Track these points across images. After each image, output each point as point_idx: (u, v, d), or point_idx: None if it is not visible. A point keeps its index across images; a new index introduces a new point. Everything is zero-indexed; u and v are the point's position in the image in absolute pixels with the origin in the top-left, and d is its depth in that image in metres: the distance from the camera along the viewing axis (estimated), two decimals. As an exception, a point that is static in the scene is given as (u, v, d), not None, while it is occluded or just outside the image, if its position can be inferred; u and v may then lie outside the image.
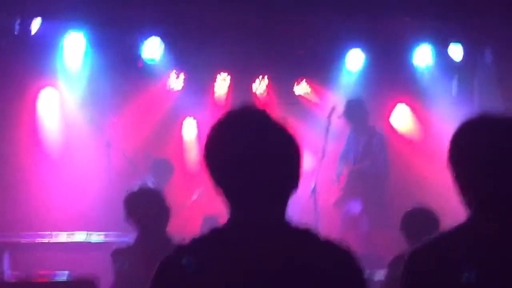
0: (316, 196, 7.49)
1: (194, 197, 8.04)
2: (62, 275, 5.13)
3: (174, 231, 4.01)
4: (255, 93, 9.32)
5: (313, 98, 9.43)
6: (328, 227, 7.92)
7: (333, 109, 7.58)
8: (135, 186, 4.29)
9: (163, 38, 8.44)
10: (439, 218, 4.46)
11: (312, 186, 7.49)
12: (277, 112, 2.06)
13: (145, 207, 3.93)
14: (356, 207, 8.10)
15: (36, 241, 6.67)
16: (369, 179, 8.04)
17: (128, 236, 4.22)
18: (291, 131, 2.03)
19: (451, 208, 3.05)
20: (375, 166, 8.04)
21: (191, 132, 9.30)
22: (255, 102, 2.14)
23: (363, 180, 8.04)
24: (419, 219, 4.45)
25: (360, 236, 7.98)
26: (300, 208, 7.26)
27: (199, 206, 8.04)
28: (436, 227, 4.30)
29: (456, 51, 8.82)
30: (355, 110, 8.05)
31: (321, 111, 8.55)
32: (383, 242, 7.52)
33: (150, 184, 7.27)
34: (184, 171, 8.75)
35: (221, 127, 2.01)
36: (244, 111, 2.03)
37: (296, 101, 9.26)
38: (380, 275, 5.34)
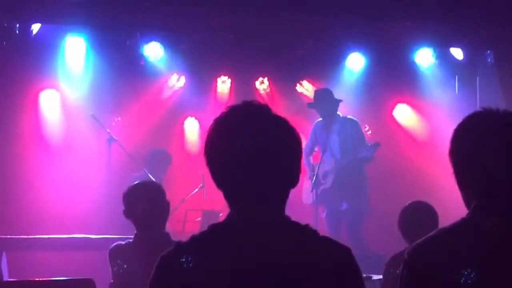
0: (316, 194, 7.46)
1: (194, 191, 8.04)
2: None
3: (173, 226, 3.99)
4: (256, 93, 9.34)
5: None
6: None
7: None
8: (134, 180, 4.26)
9: (164, 41, 8.46)
10: (437, 213, 4.43)
11: (313, 182, 7.47)
12: (278, 110, 2.05)
13: (144, 202, 3.92)
14: (344, 203, 7.92)
15: (35, 241, 6.65)
16: (355, 172, 7.87)
17: (128, 235, 4.20)
18: (291, 126, 2.03)
19: (453, 205, 3.05)
20: (354, 155, 7.83)
21: (192, 129, 9.33)
22: (256, 100, 2.11)
23: (348, 174, 7.84)
24: (417, 214, 4.41)
25: (351, 232, 7.89)
26: (300, 203, 7.27)
27: (198, 201, 8.04)
28: (434, 222, 4.27)
29: (457, 53, 8.85)
30: (324, 99, 7.94)
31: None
32: (382, 241, 7.52)
33: (149, 178, 7.27)
34: (185, 167, 8.77)
35: (222, 122, 2.00)
36: (246, 106, 2.02)
37: (297, 100, 9.28)
38: (378, 274, 5.33)
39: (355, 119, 8.08)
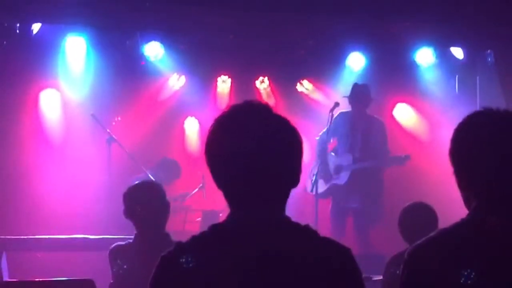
0: (317, 192, 7.43)
1: (194, 191, 8.03)
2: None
3: (173, 226, 3.99)
4: (256, 93, 9.35)
5: (315, 96, 9.44)
6: (328, 222, 7.87)
7: (335, 104, 7.54)
8: (135, 181, 4.27)
9: (164, 41, 8.46)
10: (437, 213, 4.44)
11: (313, 182, 7.43)
12: (279, 110, 2.05)
13: (145, 202, 3.93)
14: (355, 200, 7.87)
15: (35, 241, 6.65)
16: (371, 173, 7.83)
17: (127, 235, 4.20)
18: (293, 126, 2.03)
19: (453, 205, 3.04)
20: (379, 161, 7.83)
21: (192, 129, 9.33)
22: (257, 100, 2.12)
23: (365, 175, 7.78)
24: (416, 216, 4.43)
25: (359, 231, 7.87)
26: (300, 203, 7.24)
27: (198, 201, 8.04)
28: (434, 223, 4.28)
29: (457, 52, 8.85)
30: (362, 93, 7.90)
31: (323, 107, 8.52)
32: (383, 241, 7.50)
33: (151, 179, 7.26)
34: (185, 167, 8.76)
35: (222, 122, 2.01)
36: (246, 106, 2.02)
37: (297, 99, 9.28)
38: (378, 274, 5.33)
39: (381, 120, 8.07)
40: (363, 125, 7.94)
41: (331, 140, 8.00)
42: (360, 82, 8.16)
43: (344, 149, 7.92)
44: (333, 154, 7.88)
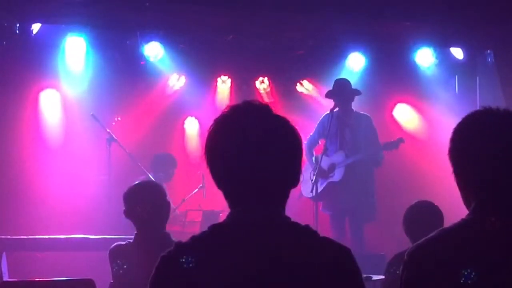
0: (317, 192, 7.39)
1: (194, 191, 8.02)
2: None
3: (173, 226, 3.99)
4: (256, 93, 9.35)
5: (315, 96, 9.44)
6: (328, 223, 7.86)
7: (335, 105, 7.51)
8: (136, 181, 4.27)
9: (164, 41, 8.46)
10: (442, 213, 4.43)
11: (313, 182, 7.40)
12: (278, 110, 2.05)
13: (145, 202, 3.93)
14: (350, 199, 7.69)
15: (35, 241, 6.65)
16: (364, 169, 7.74)
17: (128, 235, 4.20)
18: (292, 126, 2.03)
19: (453, 205, 3.05)
20: (373, 150, 7.71)
21: (192, 129, 9.33)
22: (257, 100, 2.12)
23: (358, 171, 7.67)
24: (422, 214, 4.41)
25: (355, 231, 7.82)
26: (300, 204, 7.23)
27: (198, 201, 8.03)
28: (439, 223, 4.26)
29: (457, 52, 8.86)
30: (344, 89, 7.74)
31: (323, 108, 8.51)
32: (383, 241, 7.50)
33: (152, 179, 7.25)
34: (185, 167, 8.77)
35: (222, 122, 2.01)
36: (246, 106, 2.02)
37: (297, 100, 9.27)
38: (378, 274, 5.33)
39: (369, 115, 7.98)
40: (350, 121, 7.81)
41: (319, 143, 7.96)
42: (341, 78, 8.06)
43: (335, 148, 7.83)
44: (324, 156, 7.68)
